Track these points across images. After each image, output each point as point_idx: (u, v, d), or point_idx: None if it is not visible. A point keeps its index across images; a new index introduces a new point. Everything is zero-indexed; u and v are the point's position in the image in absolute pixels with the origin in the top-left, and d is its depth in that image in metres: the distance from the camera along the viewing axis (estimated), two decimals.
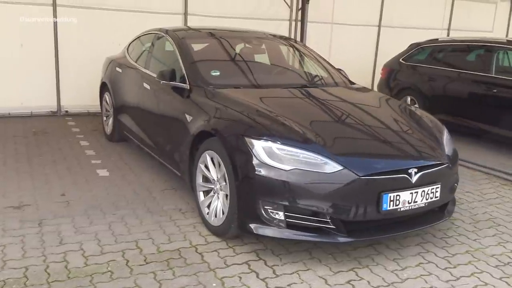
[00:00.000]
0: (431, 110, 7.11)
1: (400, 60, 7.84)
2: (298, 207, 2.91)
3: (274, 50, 4.84)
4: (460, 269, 3.11)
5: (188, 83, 3.92)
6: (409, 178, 3.02)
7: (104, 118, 5.93)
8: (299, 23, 8.81)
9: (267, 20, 8.54)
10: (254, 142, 3.00)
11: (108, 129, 5.78)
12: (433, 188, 3.13)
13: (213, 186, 3.38)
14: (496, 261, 3.27)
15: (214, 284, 2.78)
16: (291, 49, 4.94)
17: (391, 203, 2.96)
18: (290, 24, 8.92)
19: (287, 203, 2.91)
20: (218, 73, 4.08)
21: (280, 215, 2.94)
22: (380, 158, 3.10)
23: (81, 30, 7.10)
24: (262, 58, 4.59)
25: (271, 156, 2.94)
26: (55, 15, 6.91)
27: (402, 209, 3.02)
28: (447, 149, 3.49)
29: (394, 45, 8.44)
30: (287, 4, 8.74)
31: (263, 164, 2.93)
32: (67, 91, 7.25)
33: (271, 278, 2.88)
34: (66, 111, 7.32)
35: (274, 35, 5.10)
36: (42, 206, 3.78)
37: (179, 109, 3.85)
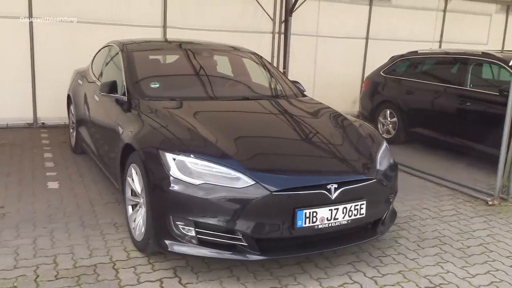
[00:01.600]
0: (408, 124, 6.99)
1: (381, 72, 7.71)
2: (208, 223, 2.81)
3: (226, 62, 4.78)
4: None
5: (127, 95, 3.87)
6: (328, 194, 2.90)
7: (71, 130, 5.92)
8: (282, 36, 8.75)
9: (250, 33, 8.50)
10: (167, 155, 2.92)
11: (73, 141, 5.76)
12: (357, 205, 3.00)
13: (139, 200, 3.30)
14: (427, 282, 3.11)
15: None
16: (246, 61, 4.86)
17: (307, 219, 2.84)
18: (273, 37, 8.87)
19: (197, 219, 2.81)
20: (157, 85, 4.02)
21: (192, 232, 2.84)
22: (297, 173, 2.98)
23: (59, 42, 7.14)
24: (212, 70, 4.52)
25: (182, 170, 2.86)
26: (31, 27, 6.97)
27: (320, 226, 2.89)
28: (381, 163, 3.35)
29: (383, 58, 8.29)
30: (269, 16, 8.69)
31: (174, 178, 2.85)
32: (44, 103, 7.27)
33: None
34: (43, 123, 7.33)
35: (234, 47, 5.03)
36: None
37: (115, 121, 3.80)
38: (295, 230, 2.83)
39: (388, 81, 7.48)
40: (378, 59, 8.35)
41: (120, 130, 3.62)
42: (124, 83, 3.98)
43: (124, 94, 3.91)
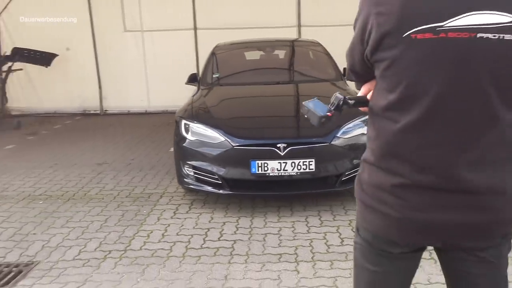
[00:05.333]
0: None
1: None
2: (199, 166, 4.21)
3: (286, 53, 5.96)
4: None
5: (198, 83, 5.50)
6: (278, 151, 3.95)
7: None
8: None
9: None
10: (182, 121, 4.41)
11: None
12: (306, 161, 3.96)
13: None
14: None
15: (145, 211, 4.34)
16: (303, 51, 5.96)
17: (259, 168, 3.96)
18: None
19: (194, 164, 4.24)
20: (217, 75, 5.52)
21: (192, 172, 4.28)
22: (255, 136, 4.12)
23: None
24: (266, 61, 5.80)
25: (187, 131, 4.32)
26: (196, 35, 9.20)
27: (271, 174, 3.97)
28: (348, 133, 4.15)
29: None
30: None
31: (183, 136, 4.33)
32: None
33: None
34: None
35: (297, 40, 6.18)
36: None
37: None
38: (250, 175, 4.00)
39: None
40: None
41: None
42: (200, 75, 5.61)
43: (198, 83, 5.54)
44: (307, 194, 4.29)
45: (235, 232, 3.84)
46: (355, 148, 4.16)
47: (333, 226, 3.87)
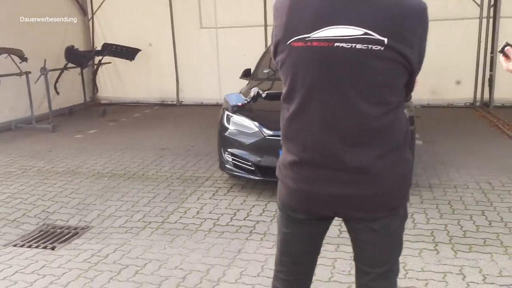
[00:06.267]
0: None
1: None
2: (236, 154, 4.63)
3: None
4: None
5: (251, 77, 5.93)
6: None
7: None
8: (491, 20, 8.74)
9: (453, 20, 8.85)
10: (225, 112, 4.85)
11: None
12: None
13: None
14: None
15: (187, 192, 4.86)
16: None
17: None
18: (481, 23, 8.90)
19: (232, 151, 4.67)
20: (267, 71, 5.88)
21: (230, 159, 4.72)
22: None
23: None
24: None
25: (228, 121, 4.75)
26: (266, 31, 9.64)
27: None
28: None
29: None
30: (475, 2, 8.80)
31: (224, 126, 4.78)
32: None
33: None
34: None
35: None
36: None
37: None
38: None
39: None
40: None
41: None
42: (252, 70, 6.04)
43: (250, 77, 5.96)
44: None
45: (260, 214, 4.22)
46: None
47: None
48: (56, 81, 9.00)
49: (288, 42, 1.59)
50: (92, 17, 10.56)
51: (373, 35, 1.48)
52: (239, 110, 1.85)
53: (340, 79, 1.55)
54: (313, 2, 1.55)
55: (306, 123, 1.64)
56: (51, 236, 3.93)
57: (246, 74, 6.07)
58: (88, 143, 7.09)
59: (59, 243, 3.80)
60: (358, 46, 1.49)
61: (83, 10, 10.40)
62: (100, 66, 10.09)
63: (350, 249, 3.42)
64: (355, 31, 1.49)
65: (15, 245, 3.77)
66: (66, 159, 6.22)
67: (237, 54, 9.68)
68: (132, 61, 9.86)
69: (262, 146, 4.44)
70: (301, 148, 1.66)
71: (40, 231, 4.05)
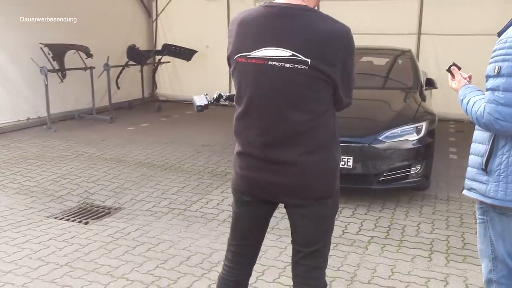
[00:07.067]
0: None
1: None
2: None
3: (375, 60, 6.32)
4: None
5: None
6: None
7: None
8: None
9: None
10: None
11: None
12: (344, 158, 4.44)
13: None
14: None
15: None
16: (394, 60, 6.25)
17: None
18: None
19: None
20: None
21: None
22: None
23: None
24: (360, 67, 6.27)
25: None
26: None
27: None
28: (394, 137, 4.52)
29: None
30: None
31: None
32: None
33: None
34: None
35: (394, 49, 6.49)
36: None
37: None
38: None
39: None
40: None
41: None
42: None
43: None
44: (348, 188, 4.73)
45: None
46: (397, 152, 4.50)
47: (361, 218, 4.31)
48: (118, 77, 9.77)
49: (235, 57, 1.94)
50: (156, 19, 11.31)
51: (299, 56, 1.79)
52: (202, 110, 2.21)
53: (273, 92, 1.87)
54: (254, 28, 1.90)
55: (248, 124, 1.98)
56: (87, 213, 4.47)
57: None
58: (138, 135, 7.70)
59: (92, 219, 4.32)
60: (287, 65, 1.81)
61: (148, 11, 11.16)
62: (160, 65, 10.78)
63: (348, 248, 3.62)
64: (284, 53, 1.81)
65: (55, 218, 4.33)
66: (116, 148, 6.84)
67: None
68: (189, 61, 10.46)
69: None
70: (245, 143, 2.00)
71: (79, 208, 4.60)
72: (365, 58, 6.48)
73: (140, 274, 3.32)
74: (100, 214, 4.45)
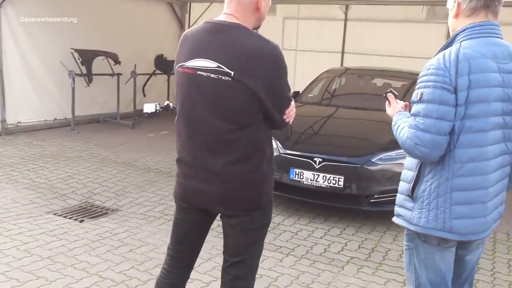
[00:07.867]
0: None
1: None
2: None
3: (385, 83, 6.30)
4: None
5: (295, 99, 6.31)
6: (314, 163, 4.55)
7: None
8: None
9: None
10: None
11: None
12: (336, 177, 4.47)
13: None
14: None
15: None
16: (401, 82, 6.23)
17: (296, 175, 4.63)
18: None
19: None
20: (312, 95, 6.22)
21: None
22: (298, 149, 4.75)
23: None
24: (359, 87, 6.26)
25: None
26: (342, 59, 9.92)
27: (305, 182, 4.59)
28: (385, 160, 4.49)
29: None
30: None
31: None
32: None
33: None
34: None
35: (405, 72, 6.46)
36: None
37: None
38: (289, 180, 4.68)
39: None
40: None
41: None
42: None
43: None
44: (339, 207, 4.74)
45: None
46: (390, 175, 4.49)
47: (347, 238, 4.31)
48: (145, 85, 10.12)
49: (177, 67, 2.10)
50: None
51: (223, 68, 1.92)
52: (151, 116, 2.41)
53: (200, 99, 2.00)
54: (192, 41, 2.05)
55: (181, 130, 2.11)
56: (86, 212, 4.68)
57: (294, 96, 6.45)
58: (156, 142, 7.95)
59: (88, 218, 4.52)
60: (212, 75, 1.94)
61: (181, 23, 11.52)
62: None
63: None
64: (211, 64, 1.95)
65: (54, 214, 4.56)
66: (130, 152, 7.09)
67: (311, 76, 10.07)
68: None
69: (277, 162, 4.75)
70: (180, 149, 2.13)
71: (80, 206, 4.83)
72: (376, 80, 6.47)
73: (113, 272, 3.47)
74: (97, 214, 4.65)
